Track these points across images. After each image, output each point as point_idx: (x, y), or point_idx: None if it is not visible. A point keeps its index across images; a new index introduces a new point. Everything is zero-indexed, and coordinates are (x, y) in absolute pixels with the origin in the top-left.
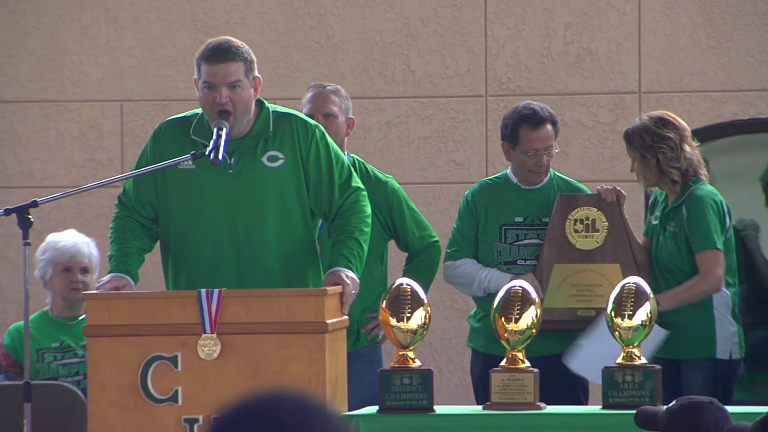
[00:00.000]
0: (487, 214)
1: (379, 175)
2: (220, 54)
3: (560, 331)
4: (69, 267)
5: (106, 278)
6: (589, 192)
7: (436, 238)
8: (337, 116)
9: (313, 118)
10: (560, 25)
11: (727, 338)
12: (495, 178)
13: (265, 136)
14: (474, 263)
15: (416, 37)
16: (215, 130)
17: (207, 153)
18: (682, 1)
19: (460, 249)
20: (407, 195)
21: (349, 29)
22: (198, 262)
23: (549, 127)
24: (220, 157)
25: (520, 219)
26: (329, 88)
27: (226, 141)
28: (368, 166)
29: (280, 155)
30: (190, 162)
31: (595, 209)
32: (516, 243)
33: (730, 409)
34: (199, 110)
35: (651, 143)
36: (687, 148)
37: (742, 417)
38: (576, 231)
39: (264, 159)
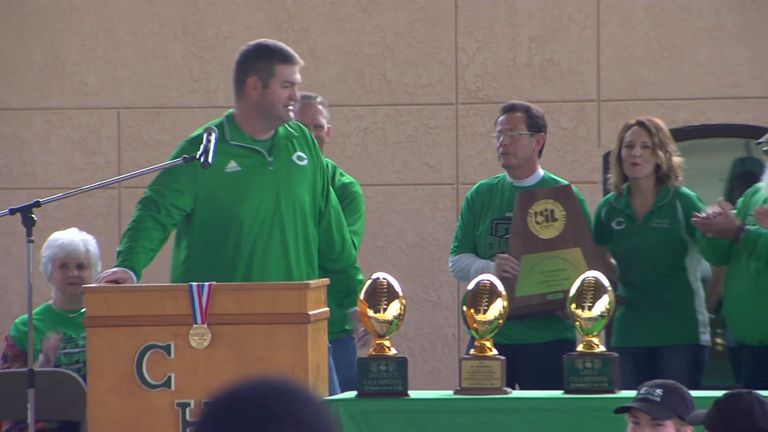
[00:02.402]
0: (482, 211)
1: (345, 179)
2: (293, 57)
3: (534, 316)
4: (65, 263)
5: (109, 271)
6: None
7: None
8: (324, 126)
9: None
10: (525, 38)
11: (706, 325)
12: (493, 178)
13: (291, 138)
14: (469, 256)
15: (392, 49)
16: (205, 135)
17: (198, 156)
18: (637, 16)
19: (461, 245)
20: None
21: (329, 42)
22: (251, 256)
23: (517, 114)
24: (210, 160)
25: (511, 214)
26: (318, 99)
27: (215, 145)
28: (338, 169)
29: (305, 156)
30: (235, 165)
31: (552, 200)
32: (505, 236)
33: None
34: (216, 121)
35: (666, 141)
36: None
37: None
38: (537, 222)
39: (294, 158)
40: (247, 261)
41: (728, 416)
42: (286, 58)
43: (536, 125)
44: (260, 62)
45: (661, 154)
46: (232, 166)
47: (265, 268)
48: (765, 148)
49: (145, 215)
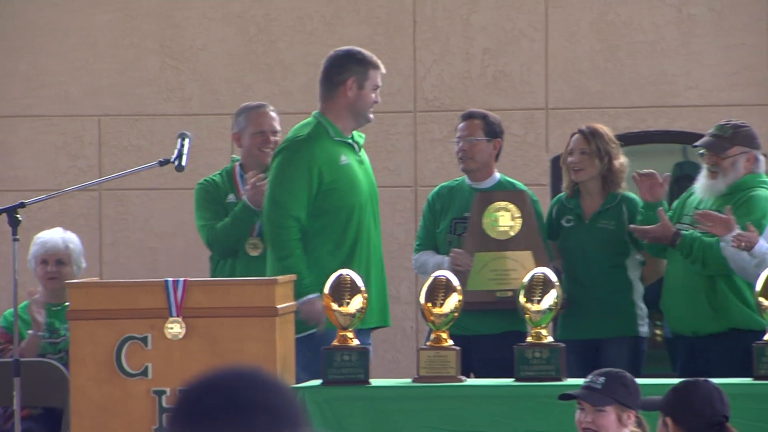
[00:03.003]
0: (442, 211)
1: None
2: (380, 64)
3: (482, 310)
4: (45, 259)
5: (309, 297)
6: (525, 189)
7: None
8: (279, 132)
9: (262, 135)
10: (479, 50)
11: (644, 318)
12: (453, 181)
13: (358, 138)
14: (428, 253)
15: None
16: (179, 140)
17: (172, 160)
18: (583, 31)
19: (423, 243)
20: None
21: (296, 54)
22: (362, 241)
23: (475, 121)
24: (184, 163)
25: (469, 214)
26: (270, 107)
27: (189, 150)
28: None
29: (365, 155)
30: (345, 158)
31: (508, 203)
32: (463, 234)
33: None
34: (311, 121)
35: (605, 147)
36: (622, 158)
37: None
38: (492, 223)
39: (363, 155)
40: (362, 245)
41: (689, 403)
42: (377, 65)
43: (493, 131)
44: (357, 66)
45: (597, 161)
46: (344, 159)
47: (370, 251)
48: (701, 152)
49: (298, 236)
